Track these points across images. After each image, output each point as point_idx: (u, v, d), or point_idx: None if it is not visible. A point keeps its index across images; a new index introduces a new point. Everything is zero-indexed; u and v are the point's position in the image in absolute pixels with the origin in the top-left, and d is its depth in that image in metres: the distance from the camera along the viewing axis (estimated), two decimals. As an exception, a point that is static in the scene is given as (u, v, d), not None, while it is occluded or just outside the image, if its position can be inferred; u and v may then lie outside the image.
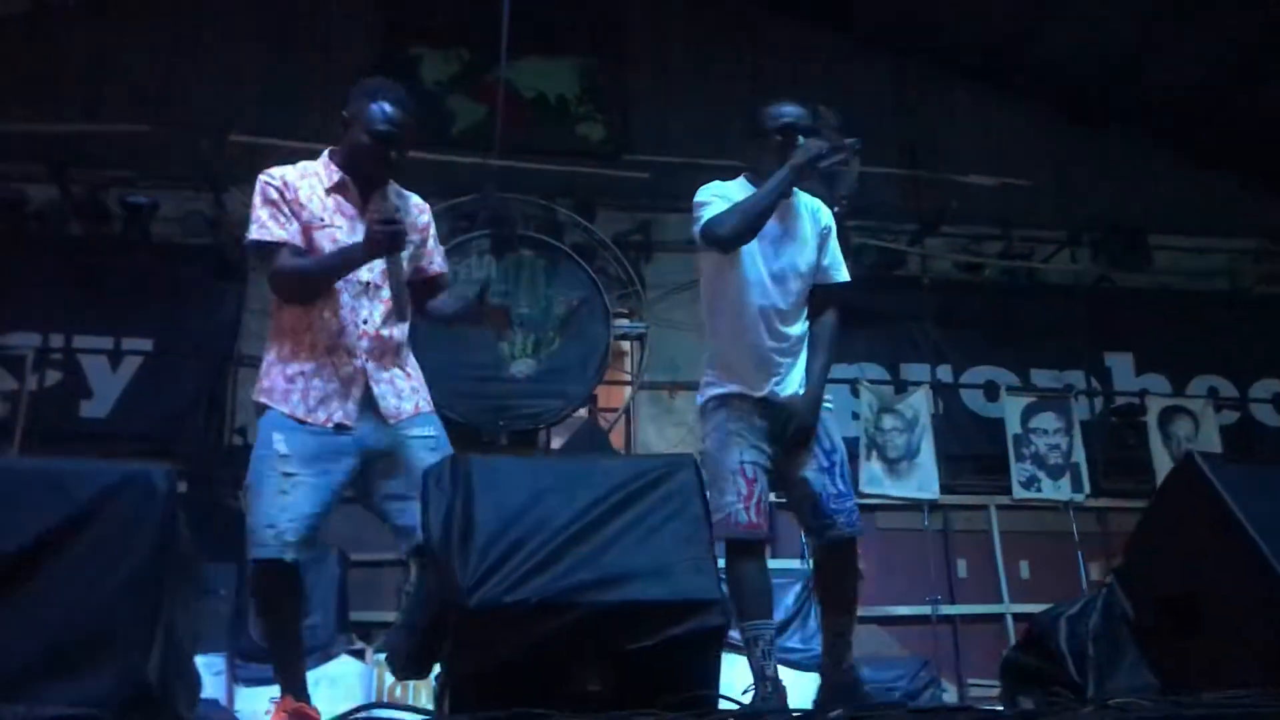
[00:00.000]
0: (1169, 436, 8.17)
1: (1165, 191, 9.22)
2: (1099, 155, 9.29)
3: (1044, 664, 3.06)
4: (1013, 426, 8.05)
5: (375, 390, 3.11)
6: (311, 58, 8.66)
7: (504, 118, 8.55)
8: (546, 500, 2.46)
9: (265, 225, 3.06)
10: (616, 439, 8.64)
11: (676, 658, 2.28)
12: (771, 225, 3.43)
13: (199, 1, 8.76)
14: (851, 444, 7.83)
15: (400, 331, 3.20)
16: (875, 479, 7.74)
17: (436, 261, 3.38)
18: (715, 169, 8.54)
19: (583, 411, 7.82)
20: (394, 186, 3.27)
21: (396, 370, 3.19)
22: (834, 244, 3.61)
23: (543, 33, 8.97)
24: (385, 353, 3.16)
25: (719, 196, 3.46)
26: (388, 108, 3.11)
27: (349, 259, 3.04)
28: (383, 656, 5.56)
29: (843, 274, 3.59)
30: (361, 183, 3.17)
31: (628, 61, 9.46)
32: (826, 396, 3.49)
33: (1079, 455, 8.00)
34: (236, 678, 5.67)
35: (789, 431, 3.38)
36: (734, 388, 3.41)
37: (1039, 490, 7.86)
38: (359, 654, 5.83)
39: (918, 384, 8.26)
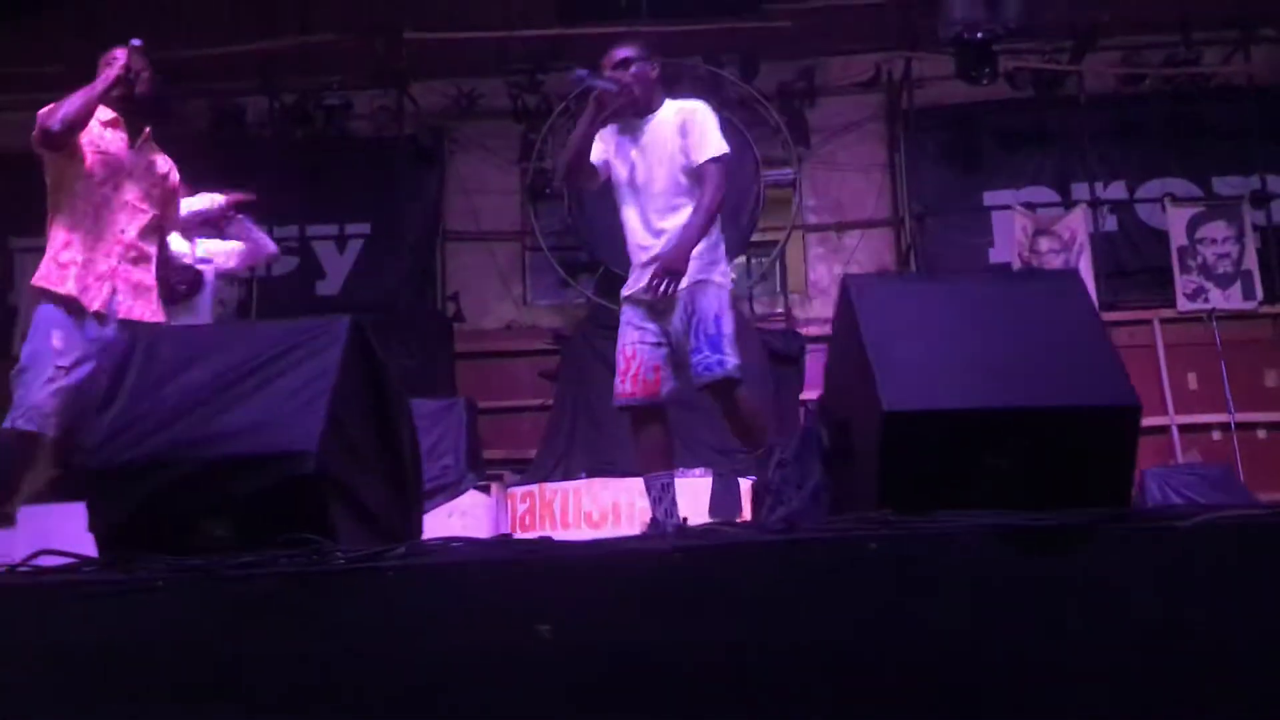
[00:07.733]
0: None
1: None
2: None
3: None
4: (1177, 238, 7.91)
5: None
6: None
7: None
8: (193, 366, 2.65)
9: None
10: (794, 281, 9.16)
11: (284, 506, 2.40)
12: None
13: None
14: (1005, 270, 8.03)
15: None
16: (1029, 301, 7.83)
17: None
18: (863, 8, 8.80)
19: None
20: None
21: None
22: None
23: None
24: None
25: None
26: None
27: None
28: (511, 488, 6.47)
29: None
30: None
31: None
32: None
33: (1250, 262, 7.78)
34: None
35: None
36: None
37: (1206, 301, 7.74)
38: (484, 489, 6.52)
39: (1074, 203, 8.20)
